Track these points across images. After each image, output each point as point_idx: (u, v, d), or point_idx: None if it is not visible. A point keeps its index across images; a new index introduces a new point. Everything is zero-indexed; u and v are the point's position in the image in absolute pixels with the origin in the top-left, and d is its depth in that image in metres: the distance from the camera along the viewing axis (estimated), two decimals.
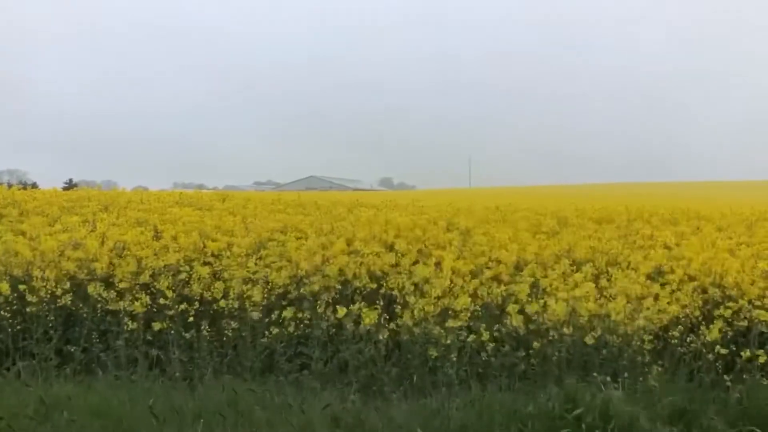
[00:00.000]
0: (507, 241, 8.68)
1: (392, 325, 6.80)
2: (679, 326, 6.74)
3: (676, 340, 6.67)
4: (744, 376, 6.26)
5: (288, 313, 6.80)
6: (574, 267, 7.84)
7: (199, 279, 7.17)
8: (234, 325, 6.90)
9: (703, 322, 6.76)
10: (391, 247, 8.41)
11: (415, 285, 7.18)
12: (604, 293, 7.00)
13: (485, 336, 6.49)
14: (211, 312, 7.11)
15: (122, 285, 7.09)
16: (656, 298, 6.87)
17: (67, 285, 7.08)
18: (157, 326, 6.76)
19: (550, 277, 7.28)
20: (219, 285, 7.09)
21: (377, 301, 7.04)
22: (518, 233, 9.35)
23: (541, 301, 6.78)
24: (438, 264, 7.70)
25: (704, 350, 6.53)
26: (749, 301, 6.87)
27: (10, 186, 12.94)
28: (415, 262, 7.81)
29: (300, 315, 6.88)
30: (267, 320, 6.93)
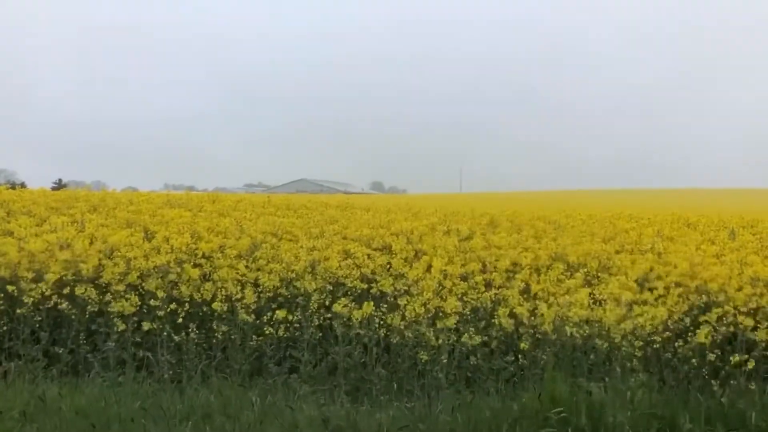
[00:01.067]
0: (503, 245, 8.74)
1: (382, 330, 6.81)
2: (667, 332, 6.78)
3: (661, 345, 6.70)
4: (731, 381, 6.31)
5: (281, 314, 6.80)
6: (569, 272, 7.90)
7: (188, 280, 7.13)
8: (224, 328, 6.88)
9: (691, 328, 6.81)
10: (388, 249, 8.47)
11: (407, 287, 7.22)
12: (596, 298, 7.04)
13: (475, 340, 6.52)
14: (200, 314, 7.08)
15: (115, 287, 7.02)
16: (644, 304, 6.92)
17: (55, 287, 7.01)
18: (146, 326, 6.73)
19: (543, 282, 7.32)
20: (209, 286, 7.06)
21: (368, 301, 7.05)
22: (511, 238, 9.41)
23: (531, 304, 6.82)
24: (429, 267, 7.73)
25: (691, 355, 6.58)
26: (735, 308, 6.91)
27: None
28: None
29: (290, 317, 6.86)
30: (258, 322, 6.91)
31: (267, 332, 6.80)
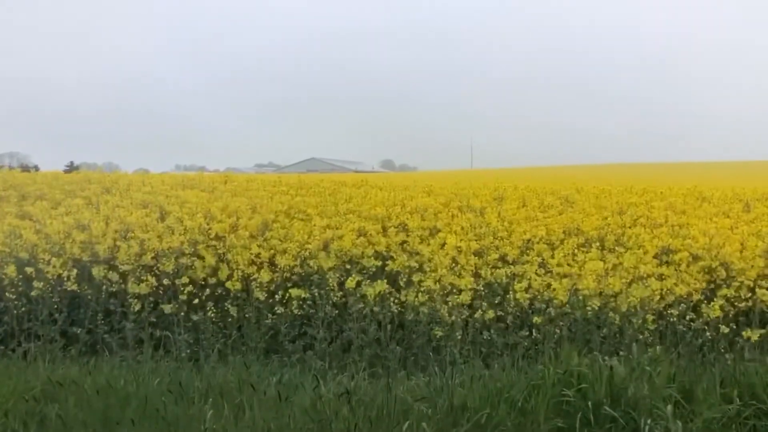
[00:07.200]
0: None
1: (396, 306, 6.83)
2: (682, 305, 6.77)
3: (675, 318, 6.70)
4: (745, 354, 6.30)
5: (294, 292, 6.84)
6: (585, 245, 7.87)
7: (203, 262, 7.17)
8: (236, 309, 6.92)
9: (705, 301, 6.80)
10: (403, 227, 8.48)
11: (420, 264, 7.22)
12: (609, 272, 7.03)
13: (489, 314, 6.55)
14: (215, 294, 7.13)
15: (130, 267, 7.09)
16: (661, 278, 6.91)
17: (73, 269, 7.08)
18: (167, 309, 6.80)
19: (557, 256, 7.30)
20: (224, 268, 7.10)
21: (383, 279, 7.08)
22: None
23: (546, 278, 6.83)
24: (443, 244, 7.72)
25: (706, 328, 6.58)
26: (754, 282, 6.89)
27: (11, 169, 12.88)
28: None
29: (305, 295, 6.90)
30: (271, 301, 6.96)
31: (280, 312, 6.85)
